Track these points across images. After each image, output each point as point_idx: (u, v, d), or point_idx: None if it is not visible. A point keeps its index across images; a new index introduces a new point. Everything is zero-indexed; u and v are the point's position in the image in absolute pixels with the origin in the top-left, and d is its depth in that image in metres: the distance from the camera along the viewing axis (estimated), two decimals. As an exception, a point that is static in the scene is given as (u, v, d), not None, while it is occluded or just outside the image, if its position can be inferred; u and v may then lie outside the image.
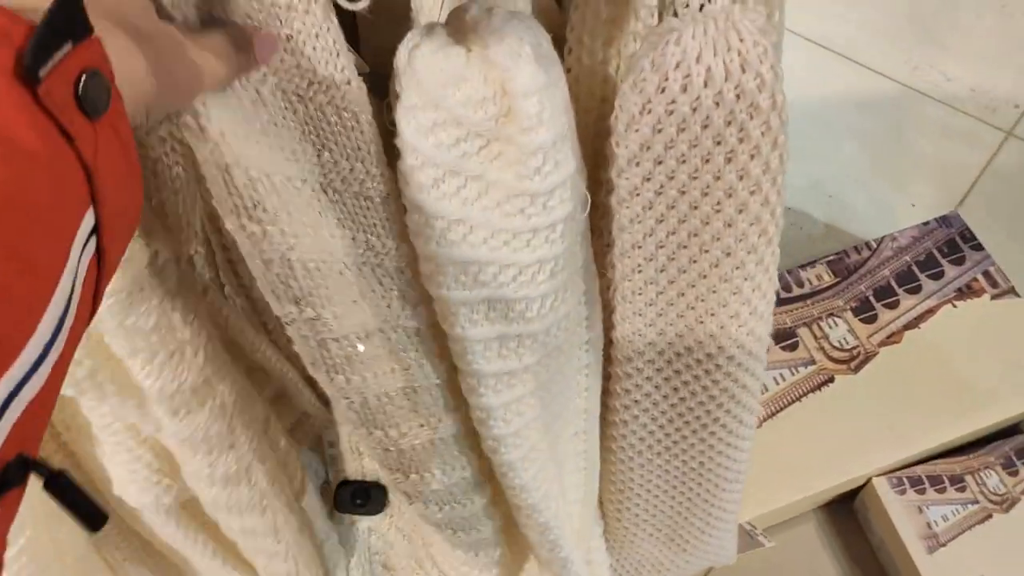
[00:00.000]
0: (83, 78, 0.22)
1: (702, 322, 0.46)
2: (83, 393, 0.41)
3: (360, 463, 0.60)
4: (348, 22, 0.35)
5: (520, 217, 0.37)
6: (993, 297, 0.90)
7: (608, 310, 0.48)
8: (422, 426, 0.48)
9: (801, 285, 0.92)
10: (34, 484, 0.24)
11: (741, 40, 0.35)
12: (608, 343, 0.50)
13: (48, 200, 0.21)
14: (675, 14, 0.36)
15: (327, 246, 0.38)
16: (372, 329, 0.43)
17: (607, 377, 0.53)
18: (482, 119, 0.35)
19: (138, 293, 0.37)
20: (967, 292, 0.90)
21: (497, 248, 0.38)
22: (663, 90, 0.36)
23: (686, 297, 0.45)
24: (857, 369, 0.87)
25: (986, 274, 0.91)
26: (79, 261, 0.23)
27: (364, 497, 0.55)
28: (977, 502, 0.82)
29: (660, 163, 0.39)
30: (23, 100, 0.21)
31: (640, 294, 0.45)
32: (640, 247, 0.43)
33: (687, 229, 0.41)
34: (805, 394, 0.87)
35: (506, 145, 0.35)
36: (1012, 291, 0.90)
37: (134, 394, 0.41)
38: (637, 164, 0.39)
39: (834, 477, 0.84)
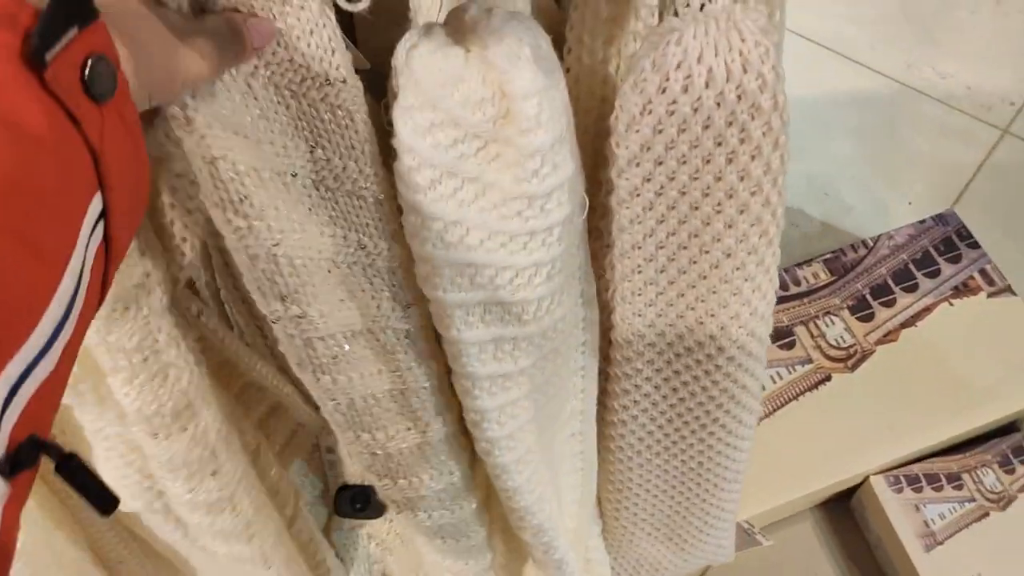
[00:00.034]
0: (89, 62, 0.22)
1: (702, 323, 0.45)
2: (68, 398, 0.40)
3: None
4: (346, 21, 0.34)
5: (517, 219, 0.37)
6: (990, 295, 0.90)
7: (607, 311, 0.48)
8: (409, 429, 0.48)
9: (798, 283, 0.92)
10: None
11: (743, 40, 0.34)
12: (607, 344, 0.50)
13: (55, 184, 0.21)
14: (676, 14, 0.36)
15: (316, 243, 0.38)
16: (360, 329, 0.42)
17: (606, 377, 0.53)
18: (480, 120, 0.34)
19: (122, 312, 0.36)
20: (964, 290, 0.90)
21: (494, 250, 0.38)
22: (664, 90, 0.35)
23: (686, 298, 0.45)
24: (854, 368, 0.87)
25: (982, 272, 0.91)
26: (87, 245, 0.23)
27: (364, 501, 0.55)
28: (974, 500, 0.82)
29: (661, 164, 0.38)
30: (30, 84, 0.21)
31: (640, 295, 0.45)
32: (640, 248, 0.42)
33: (687, 230, 0.41)
34: (802, 393, 0.87)
35: (504, 147, 0.35)
36: (1008, 289, 0.90)
37: (116, 408, 0.41)
38: (637, 165, 0.39)
39: (831, 475, 0.84)
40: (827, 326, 0.89)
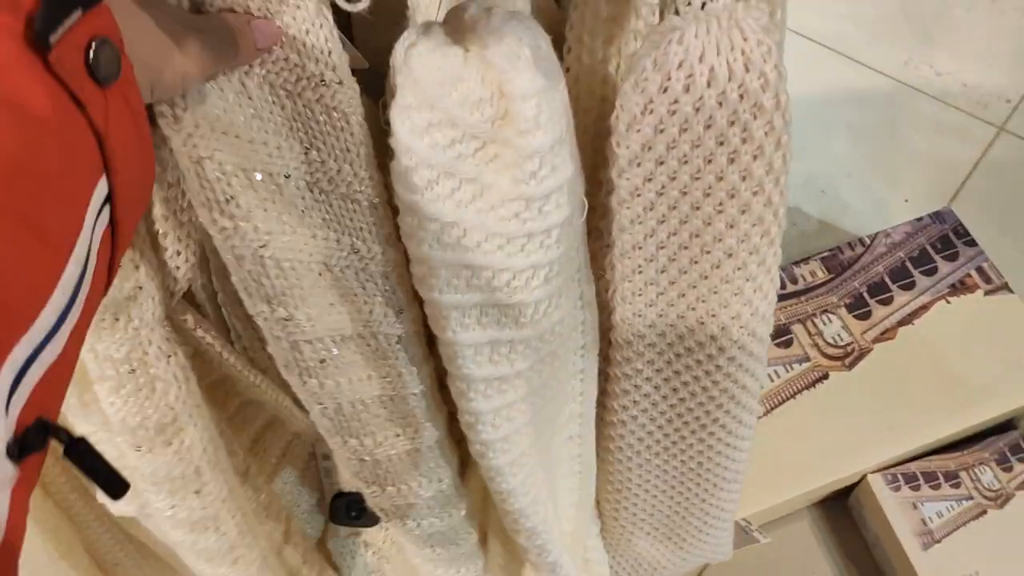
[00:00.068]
0: (93, 45, 0.22)
1: (703, 323, 0.45)
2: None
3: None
4: (343, 20, 0.34)
5: (515, 221, 0.37)
6: (987, 293, 0.90)
7: (607, 311, 0.47)
8: (398, 436, 0.47)
9: (795, 281, 0.92)
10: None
11: (745, 39, 0.34)
12: (607, 344, 0.50)
13: (59, 167, 0.21)
14: (677, 12, 0.35)
15: (307, 246, 0.38)
16: (349, 334, 0.42)
17: (606, 378, 0.52)
18: (478, 121, 0.34)
19: (112, 322, 0.36)
20: (961, 288, 0.90)
21: (491, 252, 0.37)
22: (666, 90, 0.35)
23: (687, 298, 0.44)
24: (851, 366, 0.87)
25: (979, 270, 0.91)
26: (93, 229, 0.23)
27: (359, 509, 0.54)
28: (972, 498, 0.82)
29: (662, 163, 0.38)
30: (33, 66, 0.21)
31: (640, 295, 0.45)
32: (641, 248, 0.42)
33: (688, 230, 0.41)
34: (799, 391, 0.86)
35: (502, 148, 0.35)
36: (1005, 287, 0.90)
37: (100, 415, 0.40)
38: (638, 164, 0.38)
39: (829, 474, 0.83)
40: (824, 324, 0.89)
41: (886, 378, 0.86)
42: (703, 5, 0.35)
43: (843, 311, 0.90)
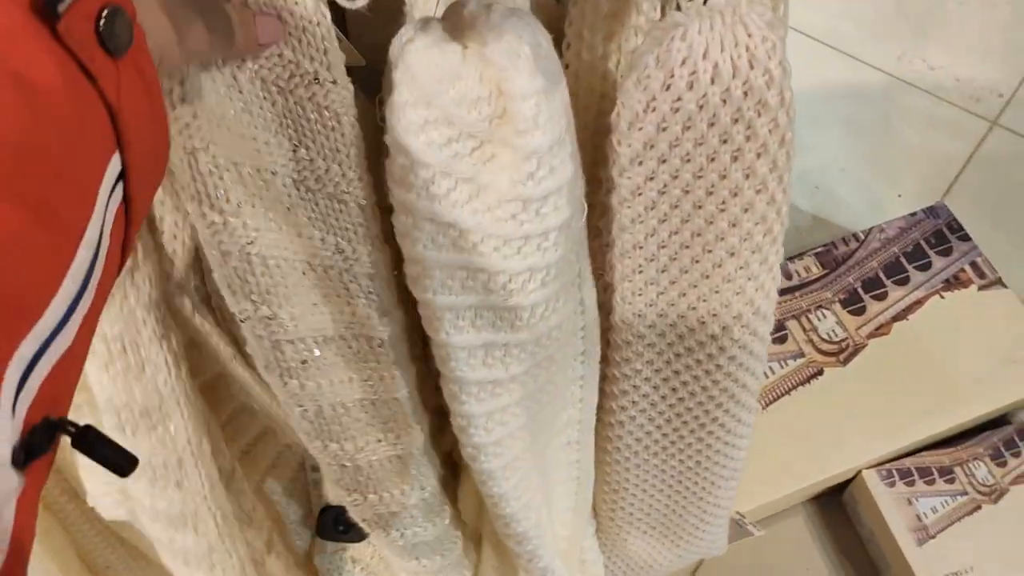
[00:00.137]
0: (104, 14, 0.21)
1: (704, 323, 0.44)
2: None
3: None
4: (339, 16, 0.33)
5: (512, 223, 0.36)
6: (980, 288, 0.90)
7: (606, 312, 0.47)
8: (380, 441, 0.46)
9: (789, 277, 0.92)
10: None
11: (749, 35, 0.33)
12: (606, 344, 0.49)
13: (70, 143, 0.20)
14: (679, 8, 0.34)
15: (292, 244, 0.37)
16: (331, 335, 0.41)
17: (603, 378, 0.52)
18: (476, 119, 0.33)
19: (108, 299, 0.35)
20: (955, 283, 0.90)
21: (487, 254, 0.36)
22: (669, 87, 0.34)
23: (688, 298, 0.44)
24: (846, 361, 0.87)
25: (973, 265, 0.91)
26: (106, 209, 0.21)
27: (347, 523, 0.53)
28: (966, 493, 0.82)
29: (664, 162, 0.37)
30: (40, 35, 0.19)
31: (641, 295, 0.44)
32: (641, 247, 0.41)
33: (690, 229, 0.40)
34: (794, 387, 0.86)
35: (500, 148, 0.34)
36: (999, 282, 0.90)
37: (86, 394, 0.39)
38: (640, 163, 0.38)
39: (823, 470, 0.83)
40: (819, 320, 0.89)
41: (881, 373, 0.86)
42: (705, 1, 0.34)
43: (837, 307, 0.90)
